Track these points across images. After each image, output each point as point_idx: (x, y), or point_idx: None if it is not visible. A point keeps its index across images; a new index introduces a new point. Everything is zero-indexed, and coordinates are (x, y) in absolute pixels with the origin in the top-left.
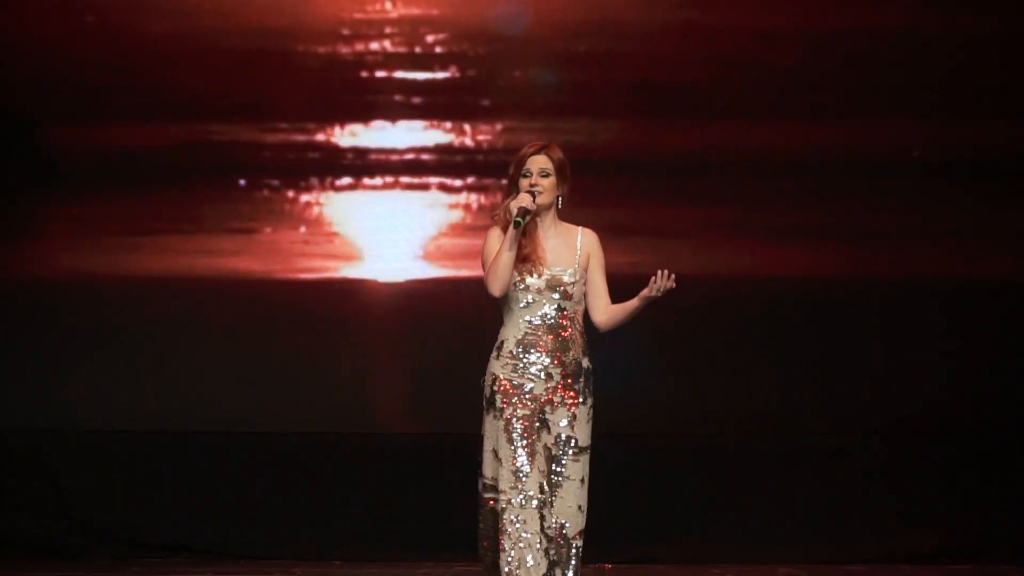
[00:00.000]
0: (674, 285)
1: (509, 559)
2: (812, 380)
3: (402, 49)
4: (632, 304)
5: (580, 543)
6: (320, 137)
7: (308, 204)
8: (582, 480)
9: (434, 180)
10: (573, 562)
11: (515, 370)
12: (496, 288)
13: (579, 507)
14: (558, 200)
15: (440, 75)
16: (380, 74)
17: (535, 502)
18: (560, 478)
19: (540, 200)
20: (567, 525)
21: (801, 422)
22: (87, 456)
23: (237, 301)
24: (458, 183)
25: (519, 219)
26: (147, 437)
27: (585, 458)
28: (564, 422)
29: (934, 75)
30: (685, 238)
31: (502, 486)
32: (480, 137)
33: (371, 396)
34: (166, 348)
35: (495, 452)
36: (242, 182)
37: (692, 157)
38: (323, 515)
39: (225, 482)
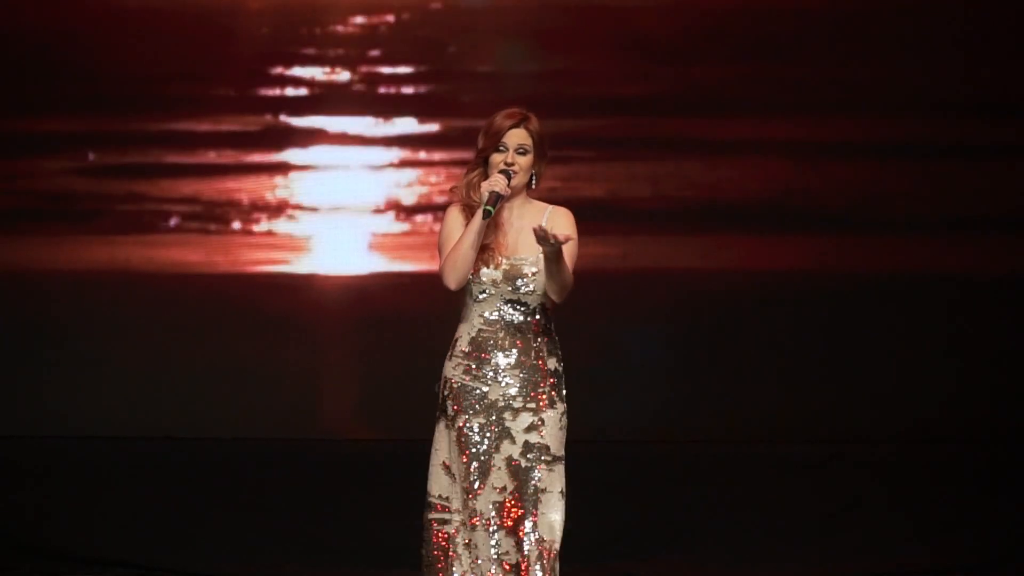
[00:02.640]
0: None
1: None
2: (807, 382)
3: (355, 21)
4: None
5: (558, 564)
6: (262, 119)
7: (250, 191)
8: (561, 492)
9: (387, 164)
10: None
11: (468, 372)
12: (452, 281)
13: (555, 523)
14: (532, 179)
15: (389, 49)
16: (324, 50)
17: (489, 524)
18: (535, 491)
19: (514, 182)
20: (546, 542)
21: (796, 428)
22: (9, 464)
23: (175, 296)
24: (413, 169)
25: (490, 208)
26: (76, 443)
27: (560, 468)
28: (529, 429)
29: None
30: (663, 228)
31: (455, 505)
32: (439, 118)
33: (318, 399)
34: (97, 347)
35: (446, 466)
36: (179, 167)
37: (670, 141)
38: (266, 527)
39: (161, 491)
